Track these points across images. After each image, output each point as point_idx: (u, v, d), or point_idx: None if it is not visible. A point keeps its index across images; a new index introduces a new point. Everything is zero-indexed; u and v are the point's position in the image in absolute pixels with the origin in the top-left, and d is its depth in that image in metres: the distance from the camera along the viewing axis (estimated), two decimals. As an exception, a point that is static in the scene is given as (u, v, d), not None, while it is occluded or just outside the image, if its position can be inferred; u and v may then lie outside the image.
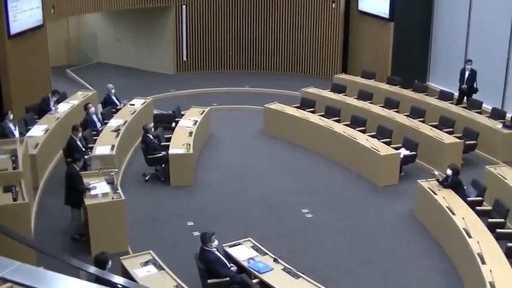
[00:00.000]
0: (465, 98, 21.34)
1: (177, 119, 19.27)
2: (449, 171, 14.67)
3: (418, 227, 14.82)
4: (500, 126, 18.65)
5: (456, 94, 21.71)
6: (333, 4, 26.09)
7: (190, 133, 17.93)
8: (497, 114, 19.82)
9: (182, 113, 19.82)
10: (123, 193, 13.56)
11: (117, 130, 17.70)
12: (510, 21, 20.91)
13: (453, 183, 14.63)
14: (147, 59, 27.50)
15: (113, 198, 13.29)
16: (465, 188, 14.89)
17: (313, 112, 20.26)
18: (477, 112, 20.03)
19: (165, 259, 11.48)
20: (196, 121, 18.89)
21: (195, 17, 26.64)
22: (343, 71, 26.07)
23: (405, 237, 14.46)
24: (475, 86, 21.09)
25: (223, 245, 12.01)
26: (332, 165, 18.11)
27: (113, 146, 16.59)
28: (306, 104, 20.94)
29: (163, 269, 11.13)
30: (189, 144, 16.97)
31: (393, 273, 12.95)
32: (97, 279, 6.46)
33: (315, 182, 17.15)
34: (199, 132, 18.43)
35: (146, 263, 11.27)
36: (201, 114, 19.60)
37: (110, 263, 10.52)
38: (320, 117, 19.56)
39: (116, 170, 15.33)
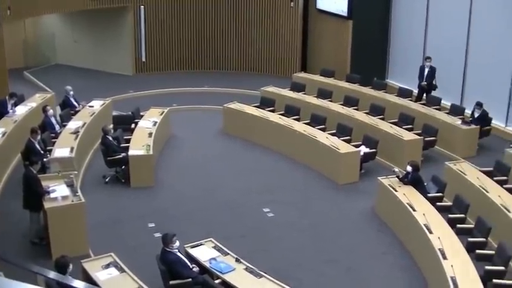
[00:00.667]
0: (424, 94, 21.54)
1: (136, 120, 19.17)
2: (409, 168, 14.80)
3: (379, 223, 14.91)
4: (459, 122, 18.87)
5: (415, 91, 21.90)
6: (292, 3, 26.15)
7: (150, 134, 17.84)
8: (456, 110, 20.04)
9: (141, 114, 19.71)
10: (83, 196, 13.41)
11: (76, 132, 17.54)
12: (468, 17, 21.18)
13: (413, 180, 14.75)
14: (105, 60, 27.30)
15: (72, 201, 13.14)
16: (425, 184, 15.02)
17: (272, 111, 20.31)
18: (436, 109, 20.28)
19: (126, 261, 11.40)
20: (156, 122, 18.81)
21: (154, 17, 26.52)
22: (302, 69, 26.12)
23: (366, 234, 14.53)
24: (434, 83, 21.30)
25: (185, 245, 11.96)
26: (292, 164, 18.16)
27: (72, 149, 16.43)
28: (266, 103, 20.97)
29: (125, 271, 11.04)
30: (149, 145, 16.88)
31: (355, 270, 13.01)
32: (58, 284, 6.39)
33: (276, 181, 17.17)
34: (159, 133, 18.34)
35: (107, 266, 11.18)
36: (161, 114, 19.52)
37: (70, 266, 10.43)
38: (280, 116, 19.62)
39: (76, 172, 15.20)
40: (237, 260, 11.58)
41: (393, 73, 24.69)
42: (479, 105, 19.01)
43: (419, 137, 17.98)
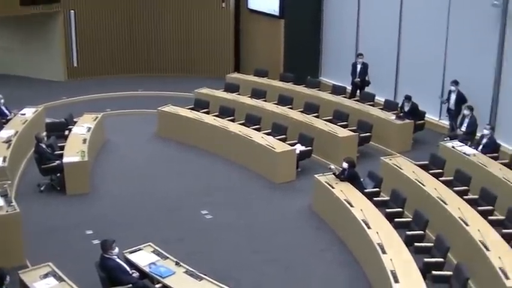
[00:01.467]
0: (358, 91, 21.76)
1: (70, 127, 18.87)
2: (345, 164, 14.92)
3: (317, 221, 14.98)
4: (393, 117, 19.13)
5: (349, 88, 22.11)
6: (223, 4, 26.11)
7: (84, 140, 17.59)
8: (390, 106, 20.31)
9: (75, 120, 19.38)
10: (18, 205, 13.18)
11: (8, 141, 17.19)
12: (399, 13, 21.47)
13: (350, 176, 14.88)
14: (36, 67, 26.74)
15: (7, 211, 12.89)
16: (362, 180, 15.18)
17: (207, 113, 20.25)
18: (370, 105, 20.51)
19: (65, 270, 11.24)
20: (90, 128, 18.56)
21: (85, 21, 26.10)
22: (235, 70, 26.13)
23: (305, 232, 14.61)
24: (367, 79, 21.56)
25: (124, 251, 11.86)
26: (229, 165, 18.16)
27: (4, 158, 16.13)
28: (200, 105, 20.90)
29: (64, 280, 10.88)
30: (84, 152, 16.67)
31: (295, 269, 13.06)
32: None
33: (213, 183, 17.14)
34: (93, 139, 18.13)
35: (46, 276, 11.00)
36: (95, 120, 19.28)
37: (8, 278, 10.29)
38: (214, 117, 19.59)
39: (9, 182, 14.93)
40: (177, 264, 11.52)
41: (326, 71, 24.84)
42: (408, 98, 19.29)
43: (354, 133, 18.14)
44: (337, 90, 21.97)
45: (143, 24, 26.74)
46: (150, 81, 25.80)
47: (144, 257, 11.76)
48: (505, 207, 13.79)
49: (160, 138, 20.08)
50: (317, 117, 19.57)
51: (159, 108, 20.48)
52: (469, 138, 17.74)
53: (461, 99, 18.85)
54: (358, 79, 21.55)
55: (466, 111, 18.01)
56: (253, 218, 15.25)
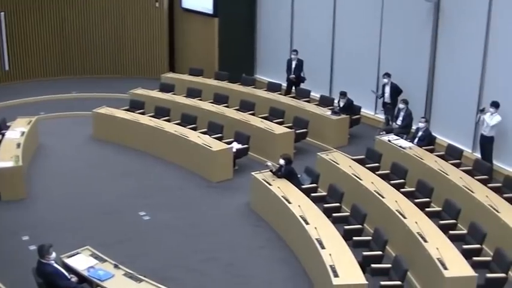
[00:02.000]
0: (293, 87, 21.83)
1: (2, 131, 18.44)
2: (281, 161, 14.97)
3: (256, 219, 15.02)
4: (329, 113, 19.26)
5: (284, 85, 22.18)
6: (157, 3, 25.89)
7: (18, 144, 17.24)
8: (325, 101, 20.47)
9: (8, 124, 19.00)
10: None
11: None
12: (332, 8, 21.59)
13: (287, 173, 14.94)
14: (-36, 71, 26.19)
15: None
16: (299, 176, 15.25)
17: (142, 113, 20.08)
18: (306, 101, 20.63)
19: (1, 278, 11.09)
20: (24, 132, 18.20)
21: (16, 23, 25.46)
22: (170, 70, 25.95)
23: (244, 230, 14.63)
24: (302, 75, 21.64)
25: (61, 256, 11.71)
26: (166, 165, 18.05)
27: None
28: (135, 105, 20.72)
29: (-1, 288, 10.76)
30: (18, 156, 16.37)
31: (235, 267, 13.09)
32: None
33: (150, 184, 17.03)
34: (27, 143, 17.79)
35: (-20, 284, 10.86)
36: (28, 124, 18.91)
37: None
38: (150, 118, 19.43)
39: None
40: (116, 266, 11.43)
41: (262, 68, 24.90)
42: (342, 94, 19.43)
43: (290, 130, 18.22)
44: (272, 87, 22.04)
45: (75, 25, 26.27)
46: (84, 83, 25.44)
47: (82, 261, 11.63)
48: (441, 198, 14.07)
49: (96, 141, 19.83)
50: (253, 114, 19.61)
51: (94, 110, 20.22)
52: (405, 131, 17.97)
53: (395, 91, 19.08)
54: (293, 75, 21.61)
55: (401, 105, 18.22)
56: (192, 218, 15.20)
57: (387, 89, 19.18)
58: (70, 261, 11.64)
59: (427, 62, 18.76)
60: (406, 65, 19.43)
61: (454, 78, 18.17)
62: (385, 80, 19.11)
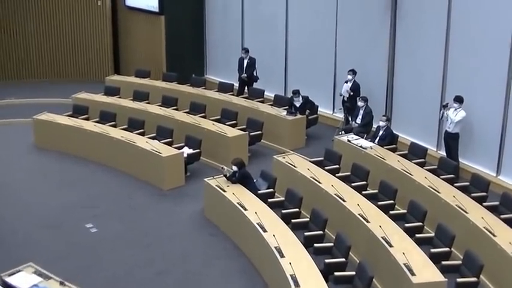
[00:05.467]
0: (246, 87, 21.71)
1: None
2: (234, 167, 14.83)
3: (210, 228, 14.83)
4: (284, 113, 19.12)
5: (236, 85, 22.03)
6: (99, 2, 25.59)
7: (-49, 156, 16.92)
8: (280, 101, 20.34)
9: None
10: None
11: None
12: (285, 4, 21.50)
13: (241, 177, 14.79)
14: None
15: None
16: (255, 180, 15.12)
17: (87, 119, 19.78)
18: (260, 101, 20.50)
19: None
20: (-43, 142, 17.87)
21: None
22: (115, 72, 25.70)
23: (198, 240, 14.43)
24: (255, 74, 21.48)
25: (2, 274, 11.35)
26: (113, 174, 17.76)
27: None
28: (79, 111, 20.36)
29: None
30: (-50, 168, 16.00)
31: (190, 280, 12.89)
32: None
33: (97, 194, 16.73)
34: (-39, 154, 17.43)
35: None
36: (-38, 133, 18.58)
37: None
38: (95, 123, 19.11)
39: None
40: (62, 283, 11.11)
41: (212, 68, 24.75)
42: (295, 93, 19.27)
43: (244, 133, 18.06)
44: (224, 88, 21.86)
45: (12, 27, 25.82)
46: (23, 88, 24.95)
47: (25, 279, 11.26)
48: (406, 200, 13.99)
49: (38, 149, 19.44)
50: (204, 117, 19.44)
51: (35, 116, 19.84)
52: (365, 130, 17.92)
53: (355, 89, 19.01)
54: (245, 75, 21.47)
55: (360, 103, 18.14)
56: (143, 229, 14.96)
57: (349, 86, 19.08)
58: (11, 280, 11.27)
59: (385, 57, 18.73)
60: (364, 61, 19.36)
61: (415, 73, 18.15)
62: (349, 77, 19.04)
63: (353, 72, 19.01)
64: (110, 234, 14.71)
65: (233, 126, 18.63)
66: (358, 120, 18.16)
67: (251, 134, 18.23)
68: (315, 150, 17.89)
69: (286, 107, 19.61)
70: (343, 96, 19.33)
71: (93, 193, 16.78)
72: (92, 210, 15.83)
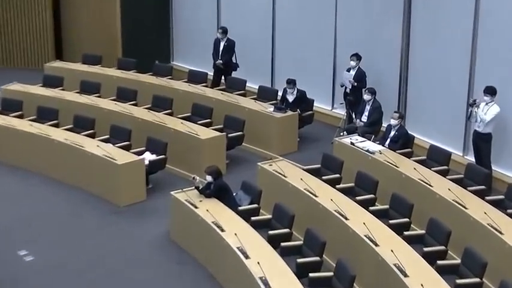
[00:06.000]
0: (223, 77, 21.82)
1: None
2: (209, 178, 14.86)
3: (178, 253, 14.93)
4: (271, 109, 19.20)
5: (211, 74, 22.15)
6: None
7: None
8: (266, 94, 20.49)
9: None
10: None
11: None
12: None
13: (217, 190, 14.82)
14: None
15: None
16: (234, 194, 15.17)
17: (20, 117, 19.83)
18: (240, 94, 20.64)
19: None
20: None
21: None
22: (57, 57, 25.61)
23: (162, 269, 14.49)
24: (234, 60, 21.58)
25: None
26: (55, 186, 17.77)
27: None
28: (9, 106, 20.38)
29: None
30: None
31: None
32: None
33: (34, 212, 16.70)
34: None
35: None
36: None
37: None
38: (30, 122, 19.15)
39: None
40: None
41: (180, 53, 24.96)
42: (290, 83, 19.39)
43: (221, 134, 18.14)
44: (195, 78, 21.99)
45: None
46: None
47: None
48: (424, 218, 14.03)
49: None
50: (170, 114, 19.57)
51: (-48, 113, 19.88)
52: (372, 130, 18.06)
53: (359, 79, 19.13)
54: (221, 61, 21.55)
55: (366, 96, 18.26)
56: (91, 255, 14.98)
57: (352, 76, 19.17)
58: None
59: (398, 38, 18.86)
60: (371, 43, 19.50)
61: (436, 59, 18.25)
62: (352, 63, 19.14)
63: (357, 57, 19.11)
64: (49, 263, 14.69)
65: (207, 125, 18.72)
66: (364, 118, 18.30)
67: (230, 135, 18.33)
68: (310, 156, 18.06)
69: (274, 102, 19.77)
70: (345, 88, 19.46)
71: (28, 211, 16.75)
72: (27, 233, 15.82)
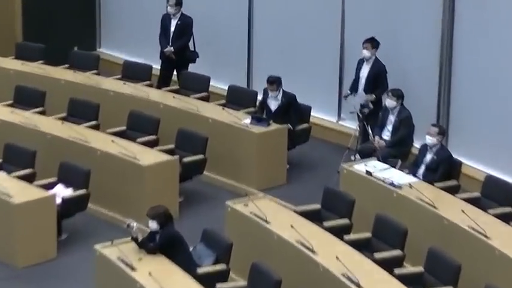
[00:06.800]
0: (175, 71, 21.87)
1: None
2: (152, 224, 14.72)
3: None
4: (247, 121, 19.09)
5: (157, 67, 22.17)
6: None
7: None
8: (240, 99, 20.52)
9: None
10: None
11: None
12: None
13: (165, 242, 14.70)
14: None
15: None
16: (191, 248, 15.07)
17: None
18: (201, 98, 20.70)
19: None
20: None
21: None
22: None
23: None
24: (191, 47, 21.66)
25: None
26: None
27: None
28: None
29: None
30: None
31: None
32: None
33: None
34: None
35: None
36: None
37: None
38: None
39: None
40: None
41: (111, 36, 25.28)
42: (274, 83, 19.33)
43: (171, 158, 18.06)
44: (133, 73, 22.10)
45: None
46: None
47: None
48: (477, 284, 13.96)
49: None
50: (96, 127, 19.51)
51: None
52: (399, 153, 18.11)
53: (376, 76, 19.11)
54: (172, 48, 21.56)
55: (389, 101, 18.28)
56: None
57: (364, 72, 19.16)
58: None
59: (438, 24, 18.96)
60: (396, 28, 19.63)
61: (492, 54, 18.30)
62: (366, 53, 19.18)
63: (372, 43, 19.13)
64: None
65: (151, 145, 18.69)
66: (386, 134, 18.33)
67: (185, 160, 18.23)
68: (305, 191, 18.12)
69: (252, 110, 19.76)
70: (353, 92, 19.52)
71: None
72: None
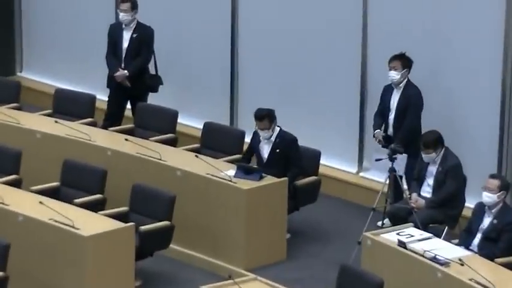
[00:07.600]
0: (129, 103, 22.26)
1: None
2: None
3: None
4: (231, 172, 19.32)
5: (103, 98, 22.54)
6: None
7: None
8: (221, 141, 20.81)
9: None
10: None
11: None
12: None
13: None
14: None
15: None
16: None
17: None
18: (164, 141, 21.01)
19: None
20: None
21: None
22: None
23: None
24: (151, 70, 21.98)
25: None
26: None
27: None
28: None
29: None
30: None
31: None
32: None
33: None
34: None
35: None
36: None
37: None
38: None
39: None
40: None
41: (36, 57, 25.64)
42: (263, 118, 19.40)
43: (123, 225, 18.11)
44: (68, 106, 22.36)
45: None
46: None
47: None
48: None
49: None
50: (16, 184, 19.62)
51: None
52: (444, 215, 18.27)
53: (412, 105, 19.38)
54: (125, 72, 21.86)
55: (424, 156, 18.46)
56: None
57: (394, 101, 19.51)
58: None
59: (499, 35, 19.21)
60: (436, 40, 19.92)
61: None
62: (394, 75, 19.46)
63: (402, 61, 19.42)
64: None
65: (94, 207, 18.82)
66: (427, 190, 18.59)
67: (143, 228, 18.39)
68: (310, 270, 18.42)
69: (237, 157, 20.05)
70: (383, 130, 19.83)
71: None
72: None
